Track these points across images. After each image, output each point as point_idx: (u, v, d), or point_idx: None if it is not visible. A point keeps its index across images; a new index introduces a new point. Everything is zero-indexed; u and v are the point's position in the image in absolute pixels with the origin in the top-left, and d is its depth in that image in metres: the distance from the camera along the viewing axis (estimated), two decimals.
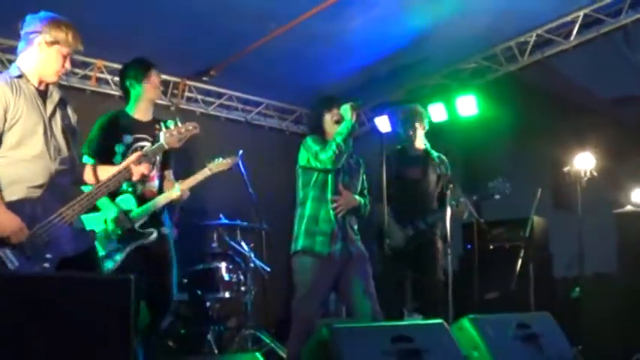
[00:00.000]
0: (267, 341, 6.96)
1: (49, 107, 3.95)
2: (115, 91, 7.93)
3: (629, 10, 7.56)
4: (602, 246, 7.19)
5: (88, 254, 3.94)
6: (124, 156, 5.01)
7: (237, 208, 7.70)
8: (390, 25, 7.53)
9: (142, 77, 5.34)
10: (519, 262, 7.09)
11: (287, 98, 9.71)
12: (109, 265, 4.97)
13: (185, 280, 7.16)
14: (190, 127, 4.28)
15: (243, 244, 7.40)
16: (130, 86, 5.37)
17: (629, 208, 7.03)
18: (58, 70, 3.95)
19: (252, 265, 7.30)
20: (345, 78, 8.50)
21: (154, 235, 5.12)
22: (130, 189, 5.13)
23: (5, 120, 3.75)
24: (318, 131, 5.25)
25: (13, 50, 6.78)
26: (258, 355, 3.66)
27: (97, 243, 4.60)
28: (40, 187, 3.79)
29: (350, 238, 5.10)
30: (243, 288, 7.25)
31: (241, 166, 7.17)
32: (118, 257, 5.00)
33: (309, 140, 5.16)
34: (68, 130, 4.03)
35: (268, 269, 7.45)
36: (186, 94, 8.98)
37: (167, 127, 4.18)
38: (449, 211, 5.85)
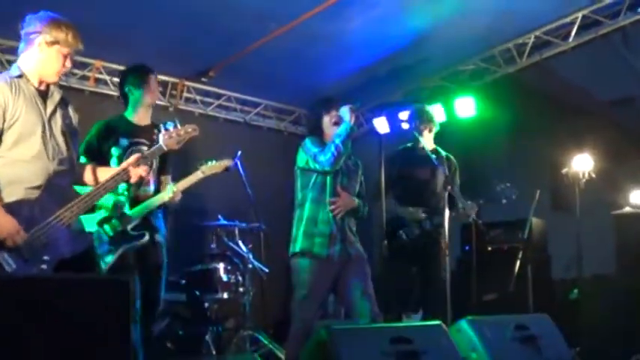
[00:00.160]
0: (266, 342, 6.96)
1: (50, 107, 3.95)
2: (114, 92, 7.92)
3: (628, 12, 7.57)
4: (600, 247, 7.19)
5: (86, 256, 3.93)
6: (120, 159, 5.01)
7: (235, 208, 7.70)
8: (389, 26, 7.54)
9: (140, 83, 5.38)
10: (518, 263, 7.09)
11: (285, 99, 9.71)
12: (102, 266, 4.94)
13: (183, 281, 7.16)
14: (189, 130, 4.28)
15: (241, 245, 7.40)
16: (128, 92, 5.41)
17: (627, 209, 7.03)
18: (59, 70, 3.95)
19: (250, 266, 7.29)
20: (344, 79, 8.51)
21: (146, 237, 5.10)
22: (125, 193, 5.13)
23: (4, 120, 3.75)
24: (317, 133, 5.25)
25: (12, 51, 6.80)
26: (256, 356, 3.66)
27: None
28: (37, 188, 3.78)
29: (349, 239, 5.10)
30: (241, 289, 7.25)
31: (240, 166, 7.18)
32: (110, 259, 4.97)
33: (307, 142, 5.16)
34: (68, 131, 4.02)
35: (266, 270, 7.45)
36: (185, 94, 8.98)
37: (166, 129, 4.18)
38: (447, 212, 5.86)
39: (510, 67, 8.53)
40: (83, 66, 7.98)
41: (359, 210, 5.20)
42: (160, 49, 7.77)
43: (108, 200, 5.00)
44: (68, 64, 3.98)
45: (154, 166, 5.21)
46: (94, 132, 5.28)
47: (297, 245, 5.05)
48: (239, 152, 7.21)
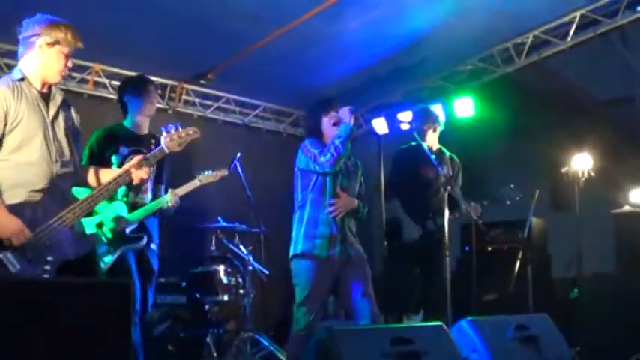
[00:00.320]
0: (266, 344, 6.95)
1: (52, 110, 3.96)
2: (113, 95, 7.92)
3: (626, 11, 7.58)
4: (600, 246, 7.20)
5: (88, 258, 3.96)
6: (120, 166, 5.01)
7: (235, 210, 7.70)
8: (388, 27, 7.54)
9: (139, 93, 5.51)
10: (518, 263, 7.11)
11: (284, 101, 9.71)
12: (101, 266, 5.01)
13: (183, 283, 7.17)
14: (190, 132, 4.29)
15: (241, 246, 7.40)
16: (127, 101, 5.53)
17: (626, 208, 7.04)
18: (61, 70, 3.98)
19: (250, 267, 7.29)
20: (343, 80, 8.51)
21: (144, 240, 5.24)
22: (124, 199, 5.21)
23: (6, 123, 3.76)
24: (316, 134, 5.25)
25: (11, 55, 6.81)
26: (257, 358, 3.67)
27: None
28: (40, 190, 3.79)
29: (349, 240, 5.10)
30: (241, 291, 7.25)
31: (239, 168, 7.19)
32: (108, 259, 5.04)
33: (307, 143, 5.16)
34: (71, 132, 4.04)
35: (267, 272, 7.46)
36: (184, 97, 8.98)
37: (167, 132, 4.19)
38: (447, 213, 5.86)
39: (509, 67, 8.54)
40: (82, 69, 7.97)
41: (359, 211, 5.20)
42: (159, 52, 7.78)
43: (105, 208, 5.06)
44: (69, 63, 4.00)
45: (152, 173, 5.25)
46: (95, 139, 5.39)
47: (298, 247, 5.05)
48: (238, 154, 7.24)
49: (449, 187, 5.90)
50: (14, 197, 3.73)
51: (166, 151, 4.19)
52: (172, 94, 8.86)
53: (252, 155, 8.05)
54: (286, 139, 9.90)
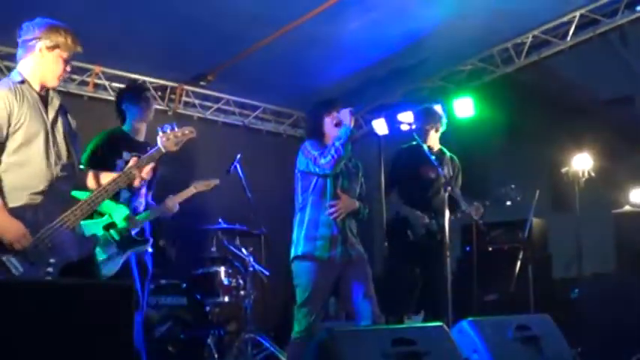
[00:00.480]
0: (267, 345, 6.96)
1: (51, 113, 3.96)
2: (113, 97, 7.89)
3: (625, 11, 7.59)
4: (600, 246, 7.21)
5: (90, 260, 3.97)
6: None
7: (235, 212, 7.70)
8: (387, 28, 7.54)
9: (137, 101, 5.64)
10: (518, 263, 7.11)
11: (284, 102, 9.71)
12: (113, 267, 5.11)
13: (184, 285, 7.17)
14: (187, 132, 4.29)
15: (242, 248, 7.40)
16: (126, 109, 5.66)
17: (627, 208, 7.04)
18: (60, 74, 3.97)
19: (251, 269, 7.30)
20: (343, 81, 8.51)
21: (150, 243, 5.44)
22: (126, 204, 5.35)
23: (9, 125, 3.76)
24: (317, 135, 5.24)
25: (11, 57, 6.81)
26: None
27: (97, 247, 4.82)
28: (41, 193, 3.79)
29: (350, 241, 5.09)
30: (242, 292, 7.26)
31: (239, 170, 7.20)
32: (120, 261, 5.14)
33: (307, 145, 5.15)
34: (69, 136, 4.05)
35: (267, 273, 7.46)
36: (184, 98, 8.98)
37: (164, 132, 4.19)
38: (447, 213, 5.86)
39: (508, 67, 8.54)
40: (82, 71, 7.97)
41: (359, 212, 5.20)
42: (159, 54, 7.79)
43: (113, 208, 5.16)
44: (68, 67, 4.01)
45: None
46: (99, 142, 5.49)
47: (299, 248, 5.04)
48: (238, 155, 7.25)
49: (449, 188, 5.90)
50: (15, 200, 3.73)
51: (163, 150, 4.19)
52: (172, 96, 8.86)
53: (252, 156, 8.06)
54: (286, 140, 9.90)
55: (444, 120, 6.56)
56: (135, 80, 8.27)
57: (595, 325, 6.41)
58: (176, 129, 4.24)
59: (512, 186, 6.32)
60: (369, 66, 8.44)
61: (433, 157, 6.12)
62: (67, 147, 4.00)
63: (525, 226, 7.24)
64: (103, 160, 5.29)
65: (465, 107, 7.84)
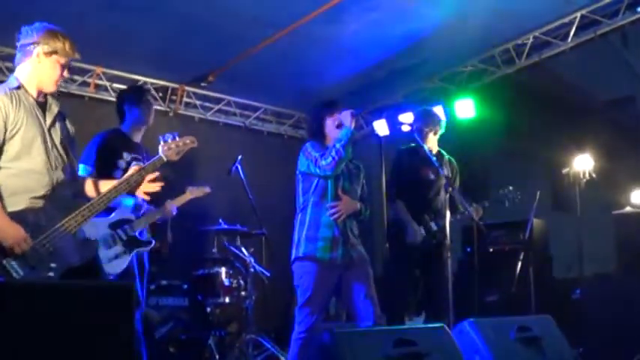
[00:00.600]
0: (268, 346, 6.96)
1: (49, 119, 3.97)
2: (114, 98, 7.92)
3: (626, 11, 7.58)
4: (601, 247, 7.20)
5: (91, 263, 3.97)
6: (125, 171, 5.20)
7: (236, 213, 7.71)
8: (388, 29, 7.54)
9: (138, 104, 5.69)
10: (519, 264, 7.11)
11: (285, 103, 9.72)
12: (122, 264, 5.23)
13: (185, 286, 7.18)
14: (188, 141, 4.32)
15: (243, 249, 7.40)
16: (127, 111, 5.70)
17: (628, 209, 7.03)
18: (57, 80, 3.98)
19: (252, 270, 7.30)
20: (344, 82, 8.52)
21: (153, 244, 5.51)
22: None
23: (5, 130, 3.76)
24: (318, 136, 5.24)
25: (11, 58, 6.81)
26: None
27: (104, 247, 5.08)
28: (41, 197, 3.80)
29: (351, 242, 5.09)
30: (243, 293, 7.26)
31: (240, 171, 7.20)
32: (127, 259, 5.26)
33: (308, 146, 5.15)
34: (67, 142, 4.05)
35: (268, 274, 7.46)
36: (185, 99, 8.99)
37: (165, 141, 4.21)
38: (448, 214, 5.87)
39: (509, 68, 8.54)
40: (83, 72, 7.98)
41: (361, 213, 5.20)
42: (160, 55, 7.79)
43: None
44: (66, 73, 4.01)
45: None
46: (100, 142, 5.51)
47: (300, 250, 5.04)
48: (239, 156, 7.25)
49: (450, 189, 5.91)
50: (16, 204, 3.73)
51: (164, 159, 4.22)
52: (173, 97, 8.87)
53: (253, 157, 8.07)
54: (287, 140, 9.91)
55: (443, 122, 6.56)
56: (136, 81, 8.28)
57: (596, 325, 6.40)
58: (177, 138, 4.27)
59: (510, 187, 6.36)
60: (370, 67, 8.45)
61: (435, 158, 6.13)
62: (66, 152, 4.01)
63: (526, 226, 7.24)
64: (104, 159, 5.36)
65: (465, 108, 7.87)
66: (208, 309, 7.11)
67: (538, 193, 7.08)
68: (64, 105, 4.19)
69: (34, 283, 3.48)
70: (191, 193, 6.22)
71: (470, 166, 6.93)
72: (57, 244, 3.73)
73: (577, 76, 8.10)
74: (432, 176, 6.38)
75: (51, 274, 3.68)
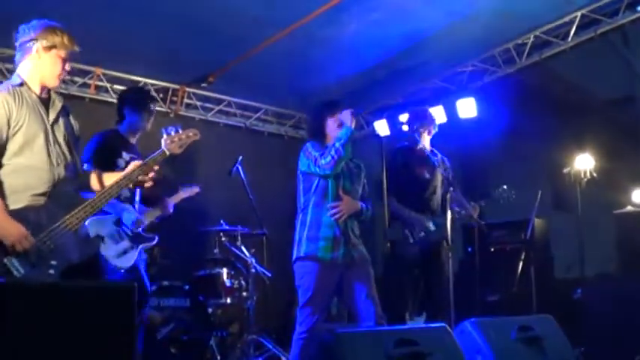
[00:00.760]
0: (270, 347, 6.96)
1: (52, 115, 3.98)
2: (114, 99, 7.92)
3: (626, 11, 7.57)
4: (602, 247, 7.20)
5: (92, 261, 3.98)
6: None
7: (237, 213, 7.71)
8: (389, 29, 7.54)
9: (140, 110, 5.73)
10: (520, 263, 7.11)
11: (286, 103, 9.72)
12: (130, 259, 5.31)
13: (187, 287, 7.18)
14: (191, 134, 4.31)
15: (244, 249, 7.40)
16: (127, 114, 5.75)
17: (629, 208, 7.03)
18: (59, 74, 3.99)
19: (253, 270, 7.30)
20: (344, 82, 8.51)
21: (156, 240, 5.57)
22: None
23: (8, 127, 3.78)
24: (319, 136, 5.24)
25: (11, 59, 6.81)
26: None
27: (112, 242, 5.16)
28: (43, 194, 3.81)
29: (352, 242, 5.09)
30: (244, 293, 7.26)
31: (241, 171, 7.21)
32: (134, 254, 5.35)
33: (309, 146, 5.15)
34: (71, 138, 4.06)
35: (269, 275, 7.46)
36: (185, 100, 8.99)
37: (168, 134, 4.20)
38: (449, 214, 5.87)
39: (510, 68, 8.53)
40: (83, 73, 7.99)
41: (362, 213, 5.20)
42: (160, 56, 7.80)
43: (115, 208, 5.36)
44: (67, 67, 4.01)
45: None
46: (100, 142, 5.58)
47: (301, 249, 5.04)
48: (240, 157, 7.26)
49: (451, 188, 5.91)
50: (17, 202, 3.74)
51: (167, 153, 4.21)
52: (174, 98, 8.88)
53: (253, 158, 8.06)
54: (288, 141, 9.91)
55: (437, 123, 6.56)
56: (137, 82, 8.28)
57: (597, 325, 6.40)
58: (180, 131, 4.26)
59: (504, 186, 6.36)
60: (371, 67, 8.44)
61: (434, 158, 6.14)
62: (69, 148, 4.01)
63: (527, 226, 7.24)
64: (104, 158, 5.41)
65: (467, 108, 7.87)
66: (210, 310, 7.11)
67: (539, 192, 7.08)
68: None
69: (34, 283, 3.48)
70: (184, 193, 6.35)
71: (471, 165, 6.93)
72: (58, 242, 3.74)
73: (577, 75, 8.09)
74: (428, 175, 6.39)
75: (51, 271, 3.69)
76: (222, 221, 7.47)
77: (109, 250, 5.16)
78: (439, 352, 3.92)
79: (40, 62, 3.94)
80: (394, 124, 6.61)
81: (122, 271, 5.22)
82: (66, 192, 3.91)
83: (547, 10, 7.67)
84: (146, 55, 7.73)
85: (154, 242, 5.59)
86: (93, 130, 5.79)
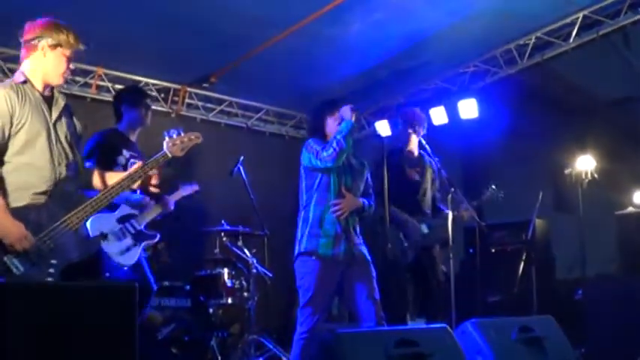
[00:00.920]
0: (271, 347, 6.96)
1: (55, 113, 3.98)
2: None
3: (628, 12, 7.57)
4: (603, 247, 7.20)
5: (92, 260, 3.98)
6: (125, 167, 5.38)
7: (239, 213, 7.72)
8: (390, 30, 7.54)
9: (137, 106, 5.84)
10: (521, 264, 7.11)
11: (287, 103, 9.71)
12: (133, 256, 5.37)
13: (187, 287, 7.18)
14: (193, 137, 4.33)
15: (245, 249, 7.40)
16: (124, 112, 5.86)
17: (630, 209, 7.04)
18: (63, 72, 3.99)
19: (254, 270, 7.30)
20: (346, 82, 8.51)
21: (158, 237, 5.64)
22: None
23: (11, 125, 3.78)
24: (319, 134, 5.25)
25: (13, 59, 6.82)
26: None
27: (115, 239, 5.22)
28: (44, 193, 3.82)
29: (353, 240, 5.09)
30: (245, 294, 7.26)
31: (242, 172, 7.21)
32: (137, 251, 5.41)
33: (310, 141, 5.16)
34: (73, 137, 4.07)
35: (270, 275, 7.46)
36: (187, 100, 8.99)
37: (170, 137, 4.22)
38: (450, 215, 5.87)
39: (512, 69, 8.53)
40: (85, 73, 7.99)
41: (364, 209, 5.20)
42: (162, 56, 7.79)
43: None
44: (71, 65, 4.02)
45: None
46: (100, 140, 5.64)
47: (302, 246, 5.04)
48: (241, 157, 7.26)
49: (452, 189, 5.91)
50: (18, 200, 3.75)
51: (169, 155, 4.22)
52: (175, 98, 8.87)
53: (255, 158, 8.07)
54: (289, 141, 9.91)
55: (426, 124, 6.57)
56: (138, 82, 8.28)
57: (598, 326, 6.39)
58: (182, 134, 4.27)
59: (493, 186, 6.39)
60: (372, 67, 8.44)
61: (424, 160, 6.16)
62: (71, 147, 4.02)
63: (528, 227, 7.25)
64: (105, 156, 5.47)
65: (469, 109, 7.87)
66: (211, 310, 7.11)
67: (540, 193, 7.08)
68: None
69: (35, 283, 3.48)
70: (183, 192, 6.36)
71: (472, 166, 6.93)
72: (58, 241, 3.75)
73: (579, 76, 8.10)
74: (417, 177, 6.39)
75: (51, 270, 3.70)
76: (223, 221, 7.47)
77: (111, 247, 5.20)
78: (440, 352, 3.92)
79: (45, 60, 3.94)
80: (396, 125, 6.61)
81: (126, 268, 5.25)
82: (67, 191, 3.91)
83: (549, 10, 7.67)
84: (147, 55, 7.73)
85: (156, 239, 5.64)
86: (94, 130, 5.82)
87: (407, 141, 6.43)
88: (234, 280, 7.27)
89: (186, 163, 6.94)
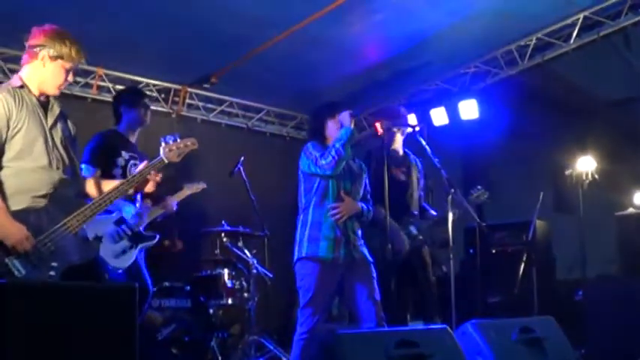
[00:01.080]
0: (271, 347, 6.96)
1: (50, 119, 3.98)
2: None
3: (629, 13, 7.56)
4: (604, 248, 7.20)
5: (92, 263, 3.99)
6: (124, 169, 5.53)
7: (239, 214, 7.72)
8: (390, 30, 7.54)
9: (135, 106, 5.91)
10: (522, 265, 7.11)
11: (287, 104, 9.71)
12: (128, 259, 5.40)
13: (188, 287, 7.18)
14: (189, 143, 4.36)
15: (245, 250, 7.40)
16: (124, 112, 5.92)
17: (630, 210, 7.04)
18: (60, 85, 3.99)
19: (254, 271, 7.30)
20: (346, 83, 8.51)
21: (157, 239, 5.66)
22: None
23: (8, 128, 3.78)
24: (319, 137, 5.24)
25: (14, 59, 6.81)
26: None
27: (111, 242, 5.25)
28: (43, 196, 3.82)
29: (353, 243, 5.09)
30: (246, 294, 7.26)
31: (242, 172, 7.21)
32: (134, 253, 5.43)
33: (309, 146, 5.16)
34: (68, 142, 4.07)
35: (271, 275, 7.46)
36: (187, 101, 8.98)
37: (166, 143, 4.24)
38: (451, 216, 5.87)
39: (512, 69, 8.53)
40: (85, 74, 7.98)
41: (362, 214, 5.20)
42: (162, 56, 7.79)
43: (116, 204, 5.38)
44: (70, 78, 4.02)
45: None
46: (100, 141, 5.69)
47: (303, 250, 5.04)
48: (242, 158, 7.27)
49: (452, 190, 5.91)
50: (18, 203, 3.75)
51: (165, 161, 4.25)
52: (176, 98, 8.87)
53: (255, 159, 8.07)
54: (289, 142, 9.90)
55: (412, 123, 6.57)
56: (138, 82, 8.28)
57: (598, 327, 6.39)
58: (178, 140, 4.29)
59: (479, 187, 6.37)
60: (373, 68, 8.44)
61: (408, 159, 6.15)
62: (67, 152, 4.02)
63: (529, 228, 7.24)
64: (104, 157, 5.53)
65: (469, 109, 7.87)
66: (211, 310, 7.11)
67: (541, 194, 7.07)
68: (67, 107, 4.20)
69: (35, 283, 3.49)
70: (188, 190, 6.40)
71: (472, 167, 6.93)
72: (58, 244, 3.75)
73: (580, 77, 8.10)
74: (403, 177, 6.38)
75: (52, 272, 3.70)
76: (223, 222, 7.47)
77: (105, 251, 5.21)
78: (440, 353, 3.92)
79: (44, 70, 3.94)
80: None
81: (119, 271, 5.26)
82: (66, 195, 3.92)
83: (549, 11, 7.66)
84: (148, 56, 7.72)
85: (155, 241, 5.65)
86: (94, 130, 5.84)
87: (391, 140, 6.39)
88: (234, 281, 7.27)
89: (187, 163, 6.91)
